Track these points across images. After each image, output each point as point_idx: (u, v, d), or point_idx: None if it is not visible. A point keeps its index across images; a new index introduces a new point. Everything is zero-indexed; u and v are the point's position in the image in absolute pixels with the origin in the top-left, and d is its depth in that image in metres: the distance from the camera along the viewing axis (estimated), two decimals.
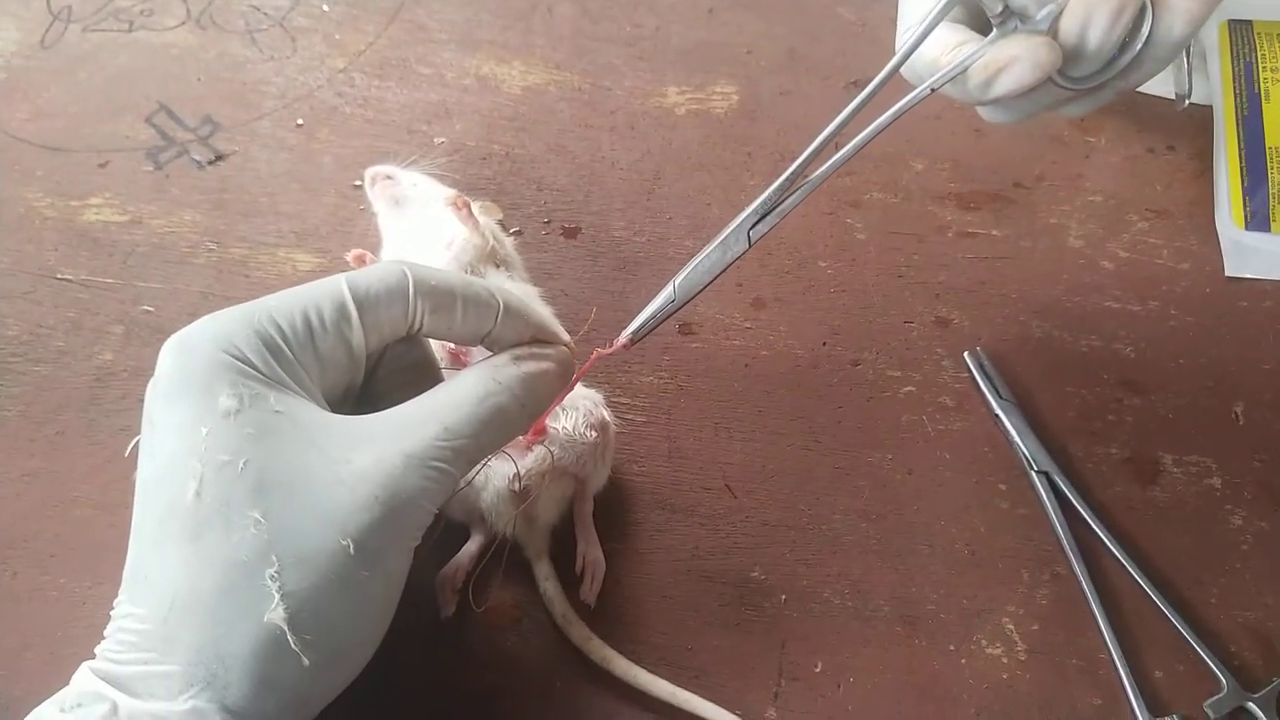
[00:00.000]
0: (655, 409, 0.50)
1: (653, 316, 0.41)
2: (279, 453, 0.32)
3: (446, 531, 0.46)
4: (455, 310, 0.37)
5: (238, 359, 0.33)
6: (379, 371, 0.39)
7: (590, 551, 0.46)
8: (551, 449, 0.45)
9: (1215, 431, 0.50)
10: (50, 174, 0.56)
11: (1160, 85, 0.61)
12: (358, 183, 0.56)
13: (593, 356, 0.42)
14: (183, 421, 0.33)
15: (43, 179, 0.56)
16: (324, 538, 0.32)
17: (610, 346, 0.41)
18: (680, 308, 0.41)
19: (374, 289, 0.36)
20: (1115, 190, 0.59)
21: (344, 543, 0.32)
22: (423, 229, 0.50)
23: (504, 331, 0.38)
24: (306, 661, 0.31)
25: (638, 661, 0.44)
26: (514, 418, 0.37)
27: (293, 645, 0.31)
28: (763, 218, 0.41)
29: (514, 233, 0.54)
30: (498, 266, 0.49)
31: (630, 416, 0.50)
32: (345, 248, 0.53)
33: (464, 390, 0.36)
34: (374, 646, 0.35)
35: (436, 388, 0.37)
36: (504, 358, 0.37)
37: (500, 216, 0.53)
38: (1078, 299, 0.55)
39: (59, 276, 0.53)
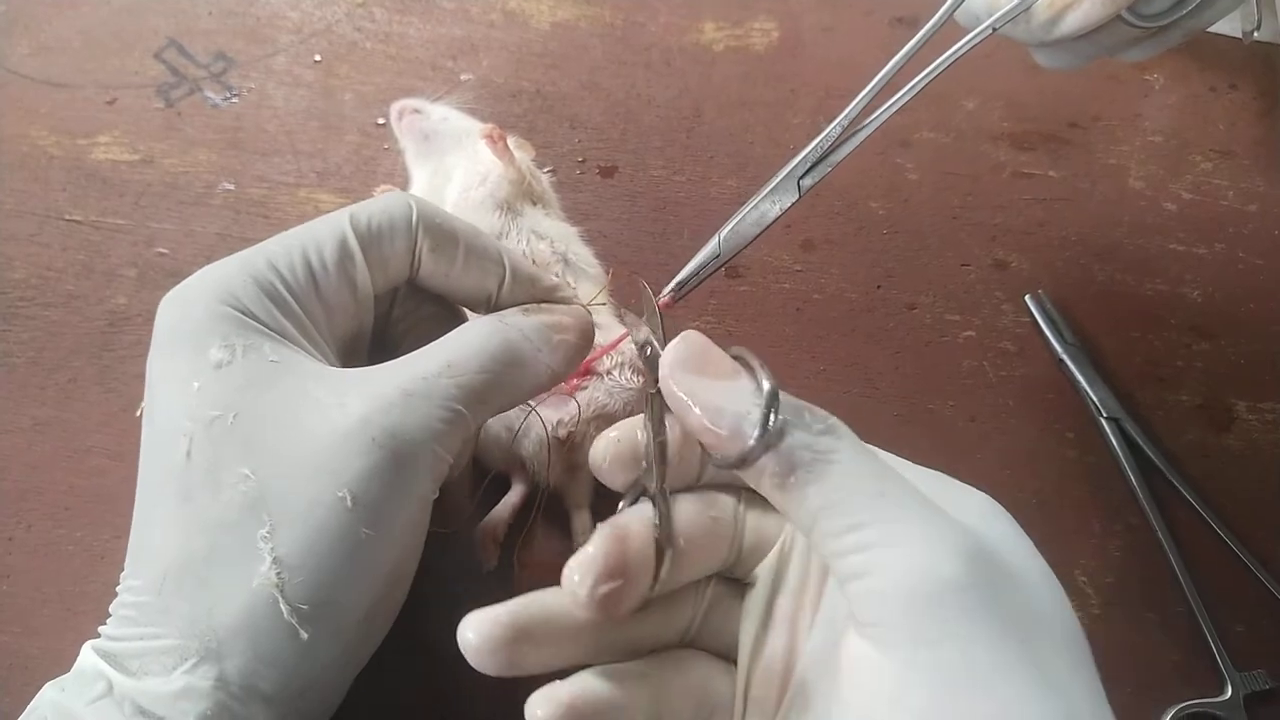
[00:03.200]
0: None
1: (697, 272, 0.38)
2: (271, 403, 0.30)
3: (487, 481, 0.44)
4: (456, 254, 0.34)
5: (238, 310, 0.31)
6: (394, 327, 0.36)
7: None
8: (596, 394, 0.42)
9: None
10: (55, 111, 0.53)
11: (1222, 22, 0.58)
12: (381, 120, 0.53)
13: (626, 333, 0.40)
14: (176, 379, 0.30)
15: (47, 116, 0.53)
16: (318, 490, 0.28)
17: (656, 302, 0.39)
18: (726, 262, 0.38)
19: (376, 220, 0.33)
20: (1176, 130, 0.56)
21: (340, 494, 0.28)
22: (454, 164, 0.47)
23: (510, 296, 0.35)
24: (304, 635, 0.28)
25: None
26: (527, 358, 0.33)
27: (285, 615, 0.28)
28: (813, 167, 0.38)
29: (548, 171, 0.51)
30: (534, 204, 0.47)
31: None
32: (369, 187, 0.51)
33: (470, 328, 0.33)
34: (384, 622, 0.32)
35: (448, 333, 0.33)
36: (512, 310, 0.35)
37: (533, 155, 0.50)
38: (1141, 241, 0.52)
39: (67, 217, 0.50)
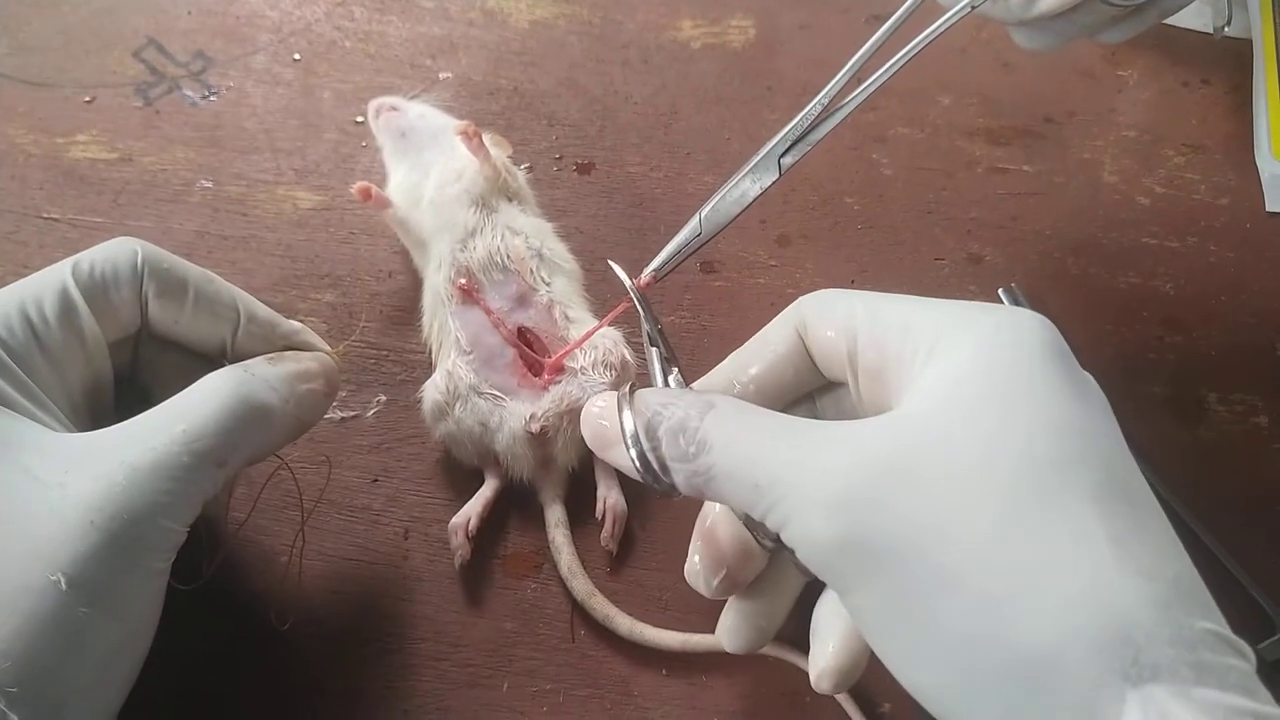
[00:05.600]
0: (678, 349, 0.47)
1: (678, 251, 0.38)
2: None
3: (458, 476, 0.44)
4: (185, 301, 0.33)
5: None
6: (142, 373, 0.36)
7: (611, 495, 0.43)
8: (569, 389, 0.43)
9: (1260, 369, 0.49)
10: (33, 110, 0.53)
11: (1194, 18, 0.59)
12: (359, 119, 0.53)
13: (619, 308, 0.40)
14: None
15: (25, 115, 0.53)
16: (28, 575, 0.28)
17: (637, 282, 0.39)
18: (706, 242, 0.39)
19: (99, 268, 0.33)
20: (1149, 125, 0.56)
21: (53, 578, 0.28)
22: (431, 160, 0.48)
23: (246, 342, 0.35)
24: (15, 718, 0.27)
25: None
26: (275, 413, 0.33)
27: None
28: (793, 146, 0.39)
29: (525, 168, 0.52)
30: (510, 200, 0.47)
31: None
32: (347, 184, 0.51)
33: (211, 385, 0.32)
34: (118, 689, 0.31)
35: (187, 388, 0.32)
36: (257, 359, 0.34)
37: (510, 152, 0.50)
38: (1114, 235, 0.53)
39: (45, 215, 0.50)
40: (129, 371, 0.36)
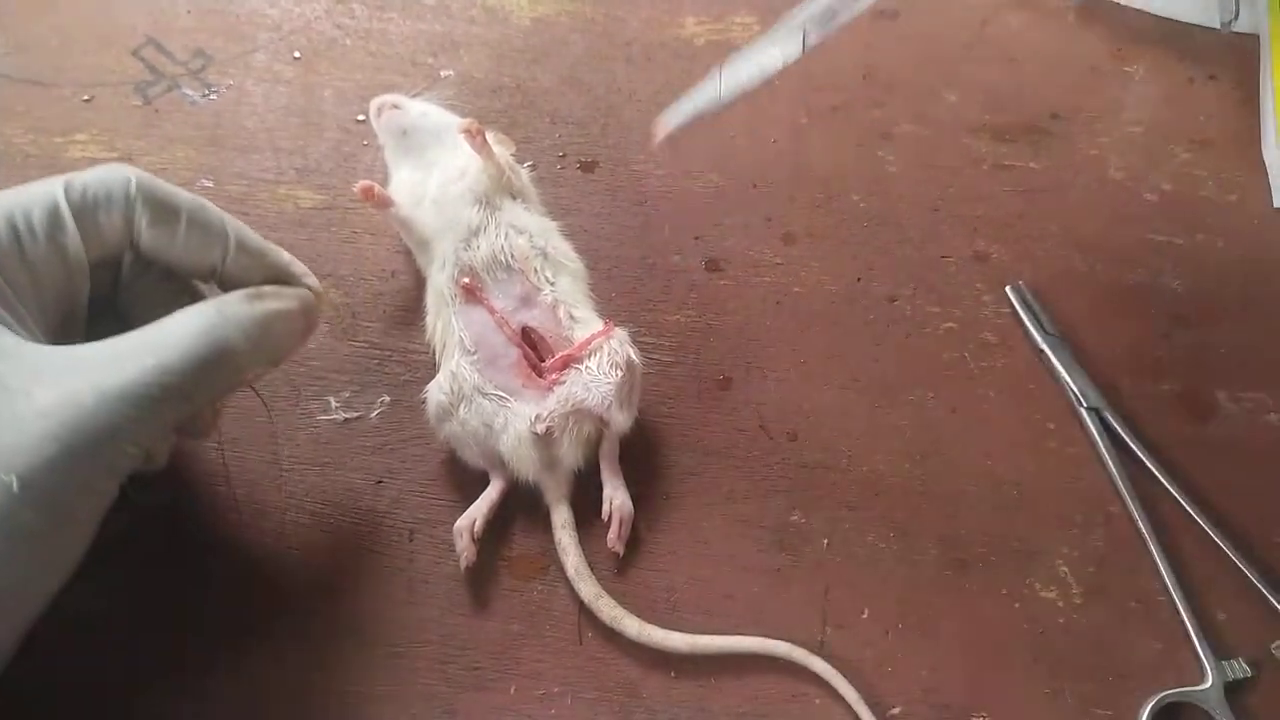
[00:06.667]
0: (683, 348, 0.47)
1: (695, 111, 0.37)
2: None
3: (463, 477, 0.44)
4: (177, 227, 0.34)
5: None
6: (123, 295, 0.36)
7: (617, 496, 0.43)
8: (574, 389, 0.42)
9: (1271, 366, 0.48)
10: (31, 110, 0.52)
11: (1201, 13, 0.59)
12: (360, 117, 0.53)
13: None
14: None
15: (23, 115, 0.52)
16: None
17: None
18: (724, 105, 0.38)
19: (92, 190, 0.33)
20: (1156, 121, 0.56)
21: (6, 478, 0.28)
22: (434, 159, 0.47)
23: (235, 269, 0.35)
24: None
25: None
26: (241, 357, 0.33)
27: None
28: (820, 21, 0.38)
29: (528, 166, 0.51)
30: (514, 198, 0.47)
31: (657, 356, 0.47)
32: (349, 183, 0.50)
33: (183, 322, 0.33)
34: (39, 598, 0.31)
35: (160, 320, 0.33)
36: (235, 295, 0.34)
37: (513, 150, 0.50)
38: (1121, 232, 0.52)
39: None
40: (109, 292, 0.36)
